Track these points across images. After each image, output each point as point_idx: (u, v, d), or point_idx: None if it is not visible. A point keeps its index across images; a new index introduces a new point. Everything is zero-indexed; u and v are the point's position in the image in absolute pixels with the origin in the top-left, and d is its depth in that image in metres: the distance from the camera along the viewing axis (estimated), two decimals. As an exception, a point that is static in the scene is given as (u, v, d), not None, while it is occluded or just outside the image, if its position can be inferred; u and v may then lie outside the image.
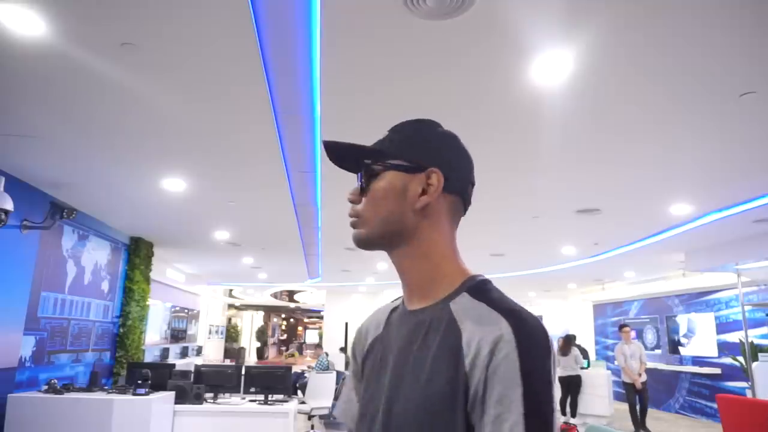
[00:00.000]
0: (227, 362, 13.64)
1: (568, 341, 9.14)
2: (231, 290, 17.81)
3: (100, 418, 4.41)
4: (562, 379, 9.04)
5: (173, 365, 5.80)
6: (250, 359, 23.36)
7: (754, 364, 7.22)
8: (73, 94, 3.01)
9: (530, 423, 0.67)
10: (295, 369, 5.90)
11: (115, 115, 3.31)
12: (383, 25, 2.33)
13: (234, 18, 2.27)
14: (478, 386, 0.71)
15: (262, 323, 28.89)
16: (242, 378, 5.67)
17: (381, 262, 9.40)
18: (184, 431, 5.02)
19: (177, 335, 11.05)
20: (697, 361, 9.73)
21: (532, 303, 17.53)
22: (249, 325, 27.51)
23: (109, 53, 2.56)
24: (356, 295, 15.93)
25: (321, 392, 8.05)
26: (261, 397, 5.44)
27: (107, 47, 2.51)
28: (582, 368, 9.03)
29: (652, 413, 8.06)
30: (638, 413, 7.95)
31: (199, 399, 5.17)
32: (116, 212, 6.01)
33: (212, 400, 5.38)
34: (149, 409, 4.65)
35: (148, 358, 8.41)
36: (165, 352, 9.75)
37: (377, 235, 0.88)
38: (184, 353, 11.02)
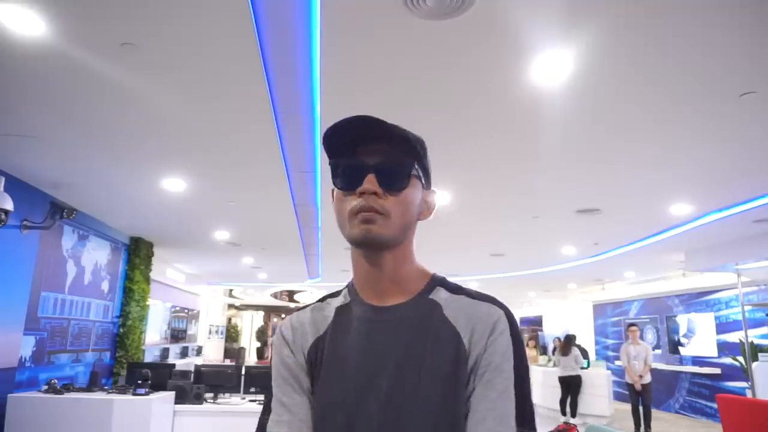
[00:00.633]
0: (227, 362, 13.64)
1: (569, 341, 9.14)
2: (231, 290, 17.80)
3: (100, 418, 4.41)
4: (562, 379, 9.04)
5: (173, 365, 5.81)
6: (250, 359, 23.34)
7: (754, 364, 7.22)
8: (73, 94, 3.01)
9: (517, 390, 0.81)
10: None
11: (115, 115, 3.31)
12: (383, 25, 2.33)
13: (234, 18, 2.27)
14: (479, 356, 0.83)
15: (262, 323, 28.88)
16: (242, 378, 5.67)
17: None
18: (184, 431, 5.03)
19: (177, 335, 11.05)
20: (697, 361, 9.73)
21: (532, 303, 17.55)
22: (249, 325, 27.50)
23: (109, 53, 2.56)
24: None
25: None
26: (261, 397, 5.43)
27: (107, 47, 2.51)
28: (582, 368, 9.03)
29: (652, 413, 8.04)
30: (641, 414, 7.91)
31: (199, 399, 5.17)
32: (116, 212, 6.01)
33: (212, 400, 5.38)
34: (149, 409, 4.65)
35: (148, 358, 8.41)
36: (165, 352, 9.75)
37: (393, 240, 0.87)
38: (184, 353, 11.02)
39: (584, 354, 9.59)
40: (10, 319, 4.61)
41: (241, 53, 2.54)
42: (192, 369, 5.83)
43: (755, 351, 7.73)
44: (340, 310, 0.92)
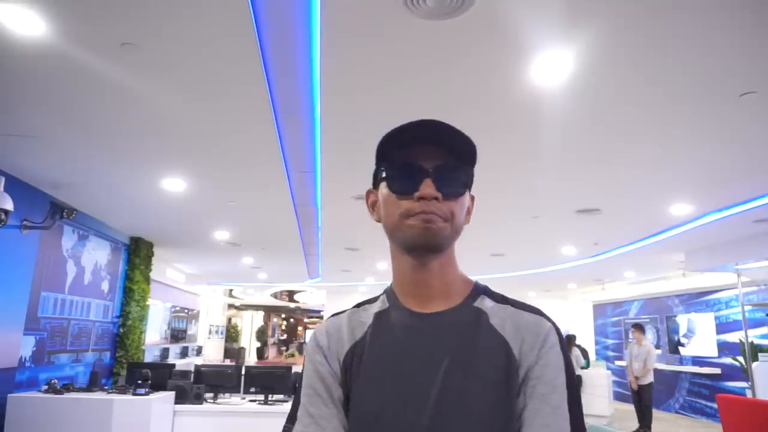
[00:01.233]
0: (227, 362, 13.63)
1: (569, 341, 9.15)
2: (231, 290, 17.81)
3: (100, 418, 4.41)
4: (562, 379, 9.02)
5: (173, 365, 5.81)
6: (250, 359, 23.35)
7: (754, 364, 7.22)
8: (73, 94, 3.01)
9: (571, 408, 0.80)
10: (296, 369, 5.90)
11: (115, 115, 3.31)
12: (383, 25, 2.33)
13: (234, 18, 2.27)
14: (530, 368, 0.82)
15: (262, 323, 28.89)
16: (242, 378, 5.67)
17: (381, 262, 9.39)
18: (184, 431, 5.03)
19: (177, 335, 11.05)
20: (697, 361, 9.73)
21: (532, 303, 17.54)
22: (249, 325, 27.51)
23: (109, 53, 2.56)
24: (356, 295, 15.92)
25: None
26: (261, 397, 5.44)
27: (107, 47, 2.51)
28: (582, 368, 9.03)
29: (652, 413, 8.05)
30: (643, 413, 7.96)
31: (199, 399, 5.17)
32: (116, 212, 6.01)
33: (212, 400, 5.38)
34: (149, 409, 4.65)
35: (148, 358, 8.41)
36: (165, 352, 9.75)
37: (451, 242, 0.89)
38: (184, 353, 11.02)
39: (584, 354, 9.60)
40: (10, 319, 4.61)
41: (241, 53, 2.54)
42: (192, 369, 5.83)
43: (755, 351, 7.73)
44: (379, 316, 0.90)
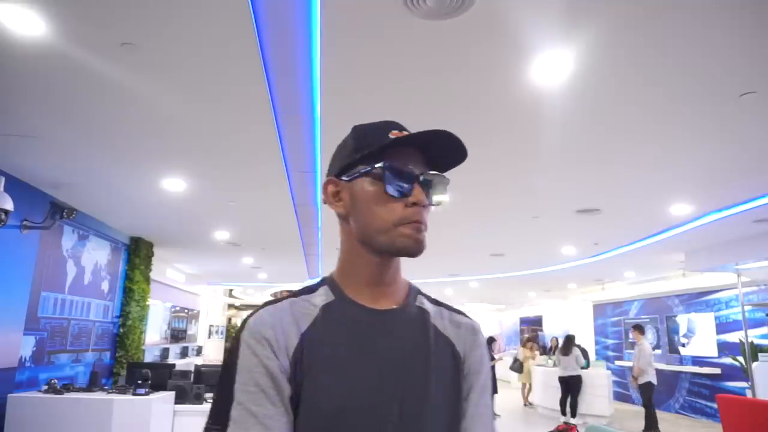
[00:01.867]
0: (227, 362, 13.57)
1: (569, 341, 9.14)
2: (231, 290, 17.80)
3: (100, 418, 4.41)
4: (562, 379, 9.04)
5: (173, 365, 5.81)
6: (250, 359, 23.30)
7: (754, 364, 7.22)
8: (73, 94, 3.01)
9: (492, 399, 0.95)
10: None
11: (115, 115, 3.31)
12: (383, 25, 2.33)
13: (234, 18, 2.27)
14: (470, 365, 0.91)
15: (262, 323, 28.86)
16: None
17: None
18: (184, 431, 5.02)
19: (177, 335, 11.05)
20: (697, 361, 9.73)
21: (532, 303, 17.54)
22: (249, 325, 27.50)
23: (109, 53, 2.56)
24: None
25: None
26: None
27: (107, 47, 2.51)
28: (582, 368, 9.03)
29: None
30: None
31: (199, 399, 5.16)
32: (116, 212, 6.01)
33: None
34: (149, 409, 4.65)
35: (148, 358, 8.41)
36: (165, 352, 9.75)
37: None
38: (184, 353, 11.02)
39: (584, 354, 9.59)
40: (10, 319, 4.61)
41: (241, 53, 2.54)
42: (192, 369, 5.83)
43: (755, 351, 7.74)
44: (327, 308, 0.87)
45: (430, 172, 0.88)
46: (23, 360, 4.81)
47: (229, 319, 21.00)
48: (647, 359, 8.02)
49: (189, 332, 12.10)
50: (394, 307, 0.89)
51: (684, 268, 8.38)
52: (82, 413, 4.44)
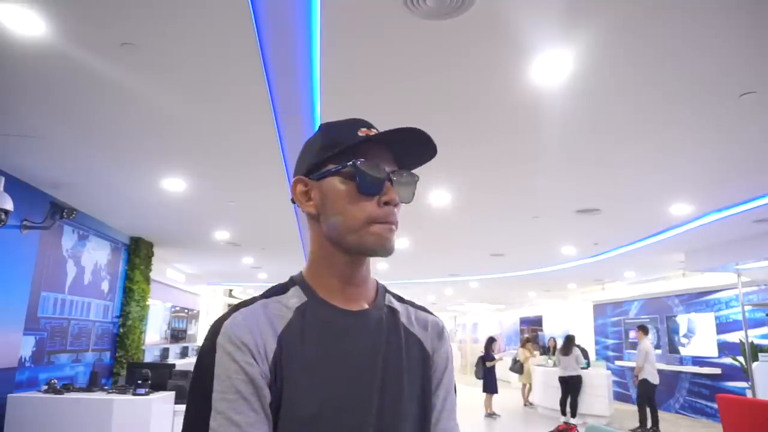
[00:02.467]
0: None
1: (570, 341, 9.15)
2: (231, 290, 17.80)
3: (100, 418, 4.41)
4: (562, 379, 9.04)
5: (173, 365, 5.81)
6: (250, 359, 23.31)
7: (754, 364, 7.22)
8: (73, 94, 3.01)
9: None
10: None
11: (116, 115, 3.31)
12: (383, 25, 2.33)
13: (234, 18, 2.27)
14: (438, 361, 0.93)
15: (262, 323, 28.88)
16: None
17: (381, 262, 9.40)
18: (184, 431, 5.02)
19: (177, 335, 11.05)
20: (697, 361, 9.73)
21: (532, 303, 17.55)
22: (249, 325, 27.52)
23: (109, 53, 2.56)
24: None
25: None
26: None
27: (107, 47, 2.51)
28: (582, 368, 9.03)
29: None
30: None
31: (199, 399, 5.15)
32: (116, 212, 6.01)
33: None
34: (149, 409, 4.65)
35: (148, 358, 8.41)
36: (165, 352, 9.74)
37: None
38: (184, 353, 11.01)
39: (584, 354, 9.60)
40: (10, 319, 4.61)
41: (241, 53, 2.54)
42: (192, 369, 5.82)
43: (755, 351, 7.74)
44: (301, 311, 0.84)
45: (401, 170, 0.87)
46: (23, 360, 4.81)
47: (229, 319, 20.95)
48: (642, 357, 8.18)
49: (189, 332, 12.10)
50: (366, 307, 0.89)
51: (684, 268, 8.38)
52: (82, 413, 4.45)
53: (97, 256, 6.31)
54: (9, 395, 4.48)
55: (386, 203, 0.84)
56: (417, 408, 0.87)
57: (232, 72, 2.75)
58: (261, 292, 0.89)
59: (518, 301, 17.63)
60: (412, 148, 0.87)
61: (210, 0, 2.18)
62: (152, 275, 7.77)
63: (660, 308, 10.95)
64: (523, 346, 12.45)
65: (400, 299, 0.97)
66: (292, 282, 0.90)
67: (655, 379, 8.06)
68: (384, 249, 0.84)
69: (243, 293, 18.91)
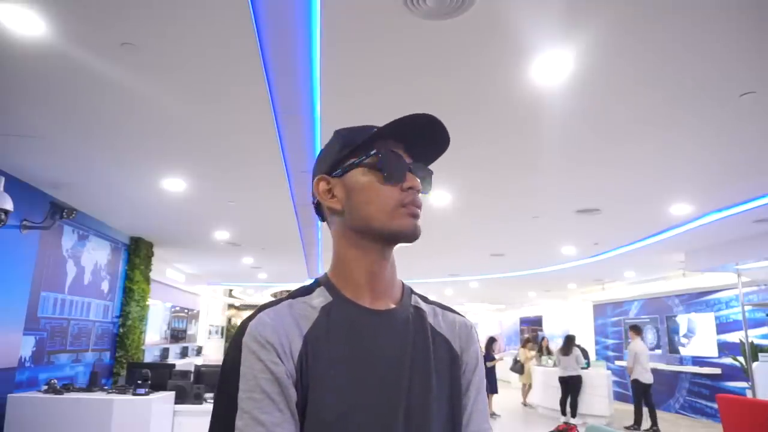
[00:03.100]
0: (227, 362, 13.56)
1: (570, 341, 9.15)
2: (231, 290, 17.81)
3: (100, 418, 4.41)
4: (562, 379, 9.04)
5: (173, 365, 5.80)
6: (250, 359, 23.30)
7: (754, 364, 7.22)
8: (73, 94, 3.01)
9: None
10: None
11: (116, 115, 3.31)
12: (383, 26, 2.33)
13: (234, 18, 2.27)
14: (467, 362, 0.92)
15: (262, 323, 28.84)
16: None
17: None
18: (184, 431, 5.02)
19: (177, 335, 11.05)
20: (697, 361, 9.73)
21: (532, 303, 17.54)
22: (249, 325, 27.49)
23: (109, 53, 2.56)
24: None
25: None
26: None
27: (107, 47, 2.51)
28: (582, 368, 9.03)
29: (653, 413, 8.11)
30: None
31: (199, 399, 5.16)
32: (116, 212, 6.01)
33: (212, 400, 5.37)
34: (149, 409, 4.65)
35: (148, 358, 8.41)
36: (165, 352, 9.75)
37: None
38: (184, 353, 11.02)
39: (584, 354, 9.61)
40: (10, 319, 4.61)
41: (241, 53, 2.54)
42: (192, 369, 5.82)
43: (755, 351, 7.74)
44: (327, 311, 0.84)
45: (418, 163, 0.91)
46: (23, 360, 4.81)
47: (229, 319, 21.01)
48: (632, 358, 8.29)
49: (189, 332, 12.10)
50: (393, 306, 0.89)
51: (684, 268, 8.38)
52: (82, 413, 4.44)
53: (97, 256, 6.31)
54: (9, 395, 4.48)
55: (409, 188, 0.86)
56: (446, 408, 0.86)
57: (232, 72, 2.75)
58: (269, 293, 0.89)
59: (518, 301, 17.63)
60: (425, 144, 0.90)
61: (210, 0, 2.18)
62: (152, 275, 7.77)
63: (660, 308, 10.95)
64: (523, 346, 12.46)
65: (426, 300, 0.96)
66: (317, 283, 0.91)
67: (646, 379, 8.11)
68: (413, 233, 0.86)
69: (243, 293, 18.92)
